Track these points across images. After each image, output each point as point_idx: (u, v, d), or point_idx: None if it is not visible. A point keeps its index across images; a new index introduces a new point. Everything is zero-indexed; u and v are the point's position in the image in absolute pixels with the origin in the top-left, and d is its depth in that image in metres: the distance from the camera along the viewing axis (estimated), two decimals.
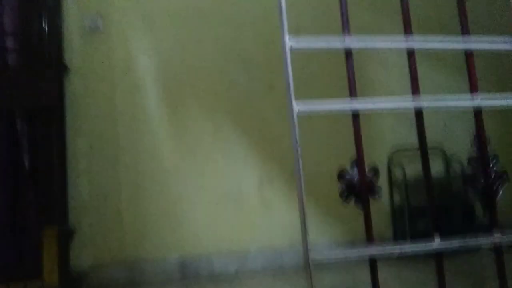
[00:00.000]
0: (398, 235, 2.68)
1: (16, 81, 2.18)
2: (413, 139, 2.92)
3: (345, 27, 1.00)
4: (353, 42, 1.00)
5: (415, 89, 1.04)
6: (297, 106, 0.93)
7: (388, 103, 1.04)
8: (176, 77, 2.56)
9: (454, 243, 1.00)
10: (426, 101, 1.03)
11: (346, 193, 0.98)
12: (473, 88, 1.08)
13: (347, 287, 1.99)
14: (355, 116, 1.00)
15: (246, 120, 2.61)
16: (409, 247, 1.02)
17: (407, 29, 1.06)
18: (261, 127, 2.63)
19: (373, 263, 0.95)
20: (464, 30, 1.10)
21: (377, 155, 2.71)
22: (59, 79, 2.28)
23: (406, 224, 2.56)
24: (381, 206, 2.71)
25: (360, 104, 0.99)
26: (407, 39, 1.06)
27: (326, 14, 2.76)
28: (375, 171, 1.00)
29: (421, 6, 2.90)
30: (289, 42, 0.95)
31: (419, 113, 1.04)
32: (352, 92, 1.00)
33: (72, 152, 2.38)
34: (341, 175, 0.98)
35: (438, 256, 0.99)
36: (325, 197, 2.54)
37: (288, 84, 0.94)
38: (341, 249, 2.47)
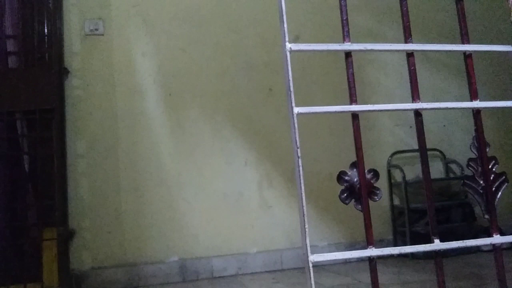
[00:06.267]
0: (398, 237, 2.68)
1: (17, 83, 2.18)
2: (413, 141, 2.94)
3: (345, 30, 1.01)
4: (352, 44, 1.01)
5: (414, 92, 1.05)
6: (297, 108, 0.94)
7: (387, 105, 1.05)
8: (176, 80, 2.57)
9: (453, 244, 1.00)
10: (425, 103, 1.03)
11: (345, 195, 0.98)
12: (472, 89, 1.08)
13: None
14: (355, 118, 1.00)
15: (246, 121, 2.62)
16: (408, 248, 1.02)
17: (407, 32, 1.06)
18: (261, 129, 2.63)
19: (372, 264, 0.96)
20: (463, 31, 1.10)
21: (376, 157, 2.72)
22: (59, 82, 2.28)
23: (406, 225, 2.56)
24: (380, 207, 2.72)
25: (358, 106, 1.00)
26: (406, 41, 1.06)
27: (326, 18, 2.77)
28: (375, 172, 1.00)
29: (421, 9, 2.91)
30: (289, 43, 0.96)
31: (418, 115, 1.04)
32: (351, 95, 1.00)
33: (72, 153, 2.38)
34: (340, 177, 0.99)
35: (437, 257, 0.99)
36: (325, 199, 2.55)
37: (288, 86, 0.94)
38: (341, 250, 2.47)
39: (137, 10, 2.57)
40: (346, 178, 0.98)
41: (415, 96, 1.04)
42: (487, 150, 1.07)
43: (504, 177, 1.07)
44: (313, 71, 2.73)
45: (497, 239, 1.02)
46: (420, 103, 1.04)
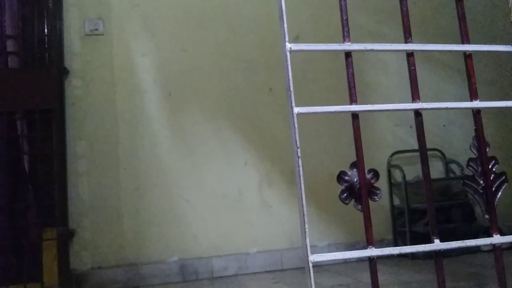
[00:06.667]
0: (398, 237, 2.68)
1: (17, 83, 2.18)
2: (413, 141, 2.93)
3: (345, 30, 1.01)
4: (352, 44, 1.01)
5: (414, 92, 1.05)
6: (297, 108, 0.94)
7: (387, 105, 1.05)
8: (176, 80, 2.57)
9: (453, 244, 1.00)
10: (425, 103, 1.04)
11: (345, 195, 0.98)
12: (472, 89, 1.08)
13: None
14: (355, 117, 1.00)
15: (246, 121, 2.62)
16: (408, 248, 1.02)
17: (407, 32, 1.06)
18: (261, 129, 2.63)
19: (373, 264, 0.96)
20: (463, 31, 1.10)
21: (376, 157, 2.72)
22: (59, 82, 2.28)
23: (406, 225, 2.56)
24: (380, 207, 2.71)
25: (358, 106, 1.00)
26: (406, 41, 1.06)
27: (326, 18, 2.77)
28: (375, 172, 1.00)
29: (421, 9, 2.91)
30: (289, 43, 0.96)
31: (418, 115, 1.04)
32: (352, 95, 1.00)
33: (72, 154, 2.38)
34: (340, 177, 0.99)
35: (437, 257, 0.99)
36: (325, 199, 2.55)
37: (288, 86, 0.95)
38: (341, 250, 2.47)
39: (137, 10, 2.57)
40: (346, 178, 0.98)
41: (415, 96, 1.04)
42: (487, 150, 1.07)
43: (504, 177, 1.07)
44: (313, 71, 2.73)
45: (497, 239, 1.03)
46: (420, 103, 1.04)
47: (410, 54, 1.06)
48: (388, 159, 2.75)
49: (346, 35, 1.01)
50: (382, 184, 2.68)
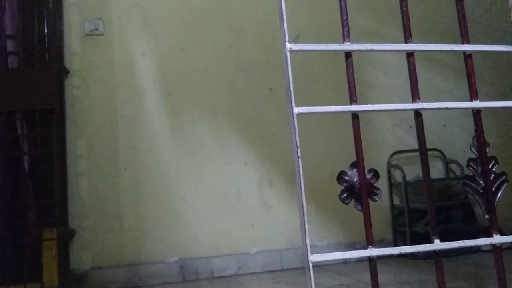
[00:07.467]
0: (398, 237, 2.68)
1: (17, 83, 2.18)
2: (413, 141, 2.93)
3: (345, 30, 1.01)
4: (352, 44, 1.01)
5: (414, 92, 1.05)
6: (297, 108, 0.94)
7: (387, 105, 1.05)
8: (176, 80, 2.57)
9: (453, 244, 1.00)
10: (425, 103, 1.04)
11: (345, 195, 0.98)
12: (472, 89, 1.08)
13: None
14: (355, 117, 1.00)
15: (246, 121, 2.62)
16: (408, 248, 1.02)
17: (407, 32, 1.06)
18: (261, 129, 2.63)
19: (372, 264, 0.96)
20: (463, 31, 1.10)
21: (376, 157, 2.72)
22: (59, 82, 2.28)
23: (406, 225, 2.56)
24: (381, 207, 2.71)
25: (358, 106, 1.00)
26: (406, 41, 1.06)
27: (326, 18, 2.77)
28: (375, 172, 1.00)
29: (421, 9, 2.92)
30: (289, 43, 0.96)
31: (418, 115, 1.04)
32: (352, 94, 1.00)
33: (72, 153, 2.38)
34: (340, 177, 0.99)
35: (437, 257, 0.99)
36: (325, 199, 2.55)
37: (288, 86, 0.95)
38: (340, 250, 2.47)
39: (137, 10, 2.57)
40: (346, 178, 0.98)
41: (415, 96, 1.04)
42: (487, 150, 1.07)
43: (504, 177, 1.07)
44: (313, 71, 2.73)
45: (497, 239, 1.03)
46: (420, 103, 1.04)
47: (410, 54, 1.06)
48: (388, 159, 2.75)
49: (346, 35, 1.01)
50: (382, 184, 2.68)
